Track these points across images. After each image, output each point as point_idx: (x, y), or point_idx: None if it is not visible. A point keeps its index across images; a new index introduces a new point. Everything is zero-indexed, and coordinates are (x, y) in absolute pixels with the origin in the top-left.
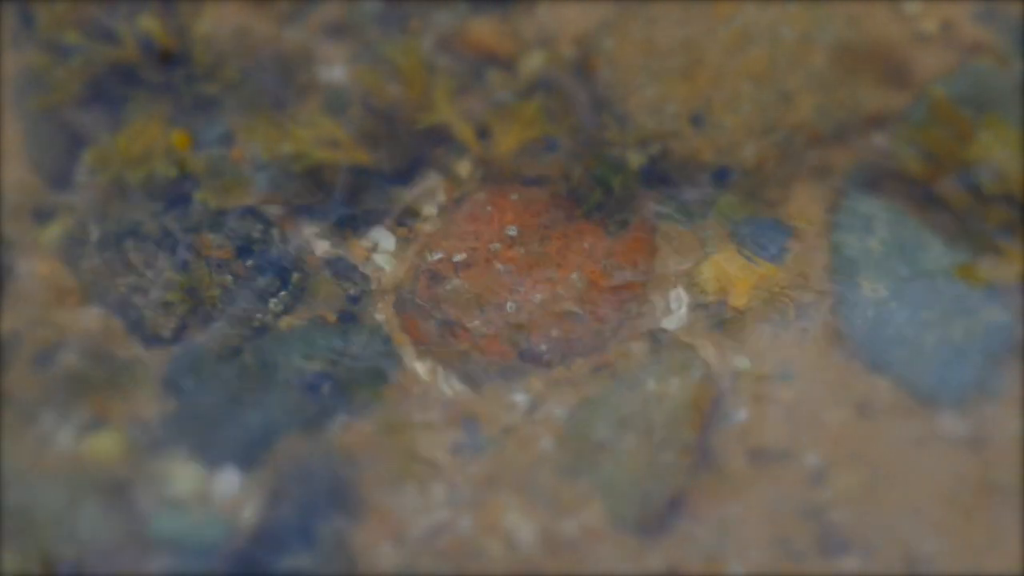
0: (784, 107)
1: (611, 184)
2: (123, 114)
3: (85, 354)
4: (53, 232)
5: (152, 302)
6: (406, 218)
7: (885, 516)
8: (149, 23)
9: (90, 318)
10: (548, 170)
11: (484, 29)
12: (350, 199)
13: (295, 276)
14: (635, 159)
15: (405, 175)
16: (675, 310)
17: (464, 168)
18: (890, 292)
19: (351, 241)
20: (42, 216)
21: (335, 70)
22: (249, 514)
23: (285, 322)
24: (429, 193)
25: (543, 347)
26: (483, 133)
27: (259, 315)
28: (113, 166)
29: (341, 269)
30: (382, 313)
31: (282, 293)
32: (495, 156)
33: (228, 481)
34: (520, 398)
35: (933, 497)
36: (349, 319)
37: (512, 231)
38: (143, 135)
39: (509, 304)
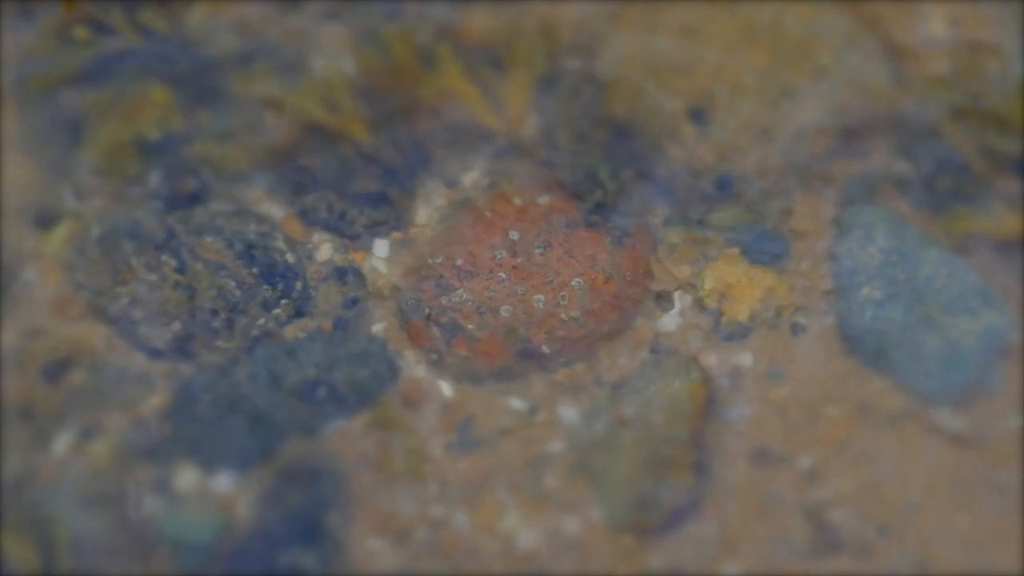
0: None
1: (600, 176)
2: (120, 89)
3: (86, 366)
4: (57, 235)
5: (153, 311)
6: (406, 223)
7: (883, 515)
8: (148, 17)
9: (91, 328)
10: (556, 157)
11: (482, 18)
12: (351, 198)
13: (297, 284)
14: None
15: (406, 175)
16: (675, 315)
17: (467, 169)
18: (889, 295)
19: (349, 245)
20: (44, 215)
21: (335, 58)
22: (248, 514)
23: (288, 331)
24: (430, 197)
25: (544, 350)
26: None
27: (262, 323)
28: (108, 128)
29: (340, 274)
30: (380, 318)
31: (284, 301)
32: (510, 126)
33: (227, 484)
34: (520, 401)
35: (932, 495)
36: (347, 324)
37: (514, 236)
38: (135, 100)
39: (504, 308)
